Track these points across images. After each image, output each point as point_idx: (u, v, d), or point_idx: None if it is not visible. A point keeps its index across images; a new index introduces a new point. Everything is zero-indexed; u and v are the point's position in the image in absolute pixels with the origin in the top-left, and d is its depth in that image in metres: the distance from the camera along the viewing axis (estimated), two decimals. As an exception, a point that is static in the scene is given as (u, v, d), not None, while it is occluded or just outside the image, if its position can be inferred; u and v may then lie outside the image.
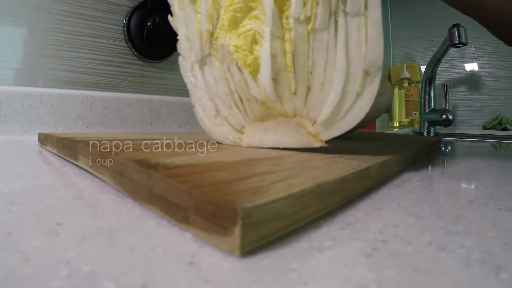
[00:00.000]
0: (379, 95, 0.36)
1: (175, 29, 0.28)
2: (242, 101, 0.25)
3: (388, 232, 0.13)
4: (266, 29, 0.22)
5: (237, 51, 0.24)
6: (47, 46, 0.48)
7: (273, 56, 0.22)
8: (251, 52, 0.23)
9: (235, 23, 0.24)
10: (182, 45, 0.27)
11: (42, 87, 0.47)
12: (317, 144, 0.22)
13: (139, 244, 0.11)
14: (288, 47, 0.22)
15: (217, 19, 0.25)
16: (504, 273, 0.10)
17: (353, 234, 0.13)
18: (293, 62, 0.22)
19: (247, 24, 0.23)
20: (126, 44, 0.57)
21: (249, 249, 0.11)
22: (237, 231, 0.10)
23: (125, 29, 0.56)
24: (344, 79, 0.21)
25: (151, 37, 0.56)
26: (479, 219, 0.15)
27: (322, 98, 0.22)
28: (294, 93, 0.22)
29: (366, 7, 0.20)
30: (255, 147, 0.25)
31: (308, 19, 0.21)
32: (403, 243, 0.12)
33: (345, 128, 0.22)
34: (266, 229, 0.11)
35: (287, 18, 0.22)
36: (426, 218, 0.15)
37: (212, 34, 0.25)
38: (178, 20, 0.27)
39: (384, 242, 0.12)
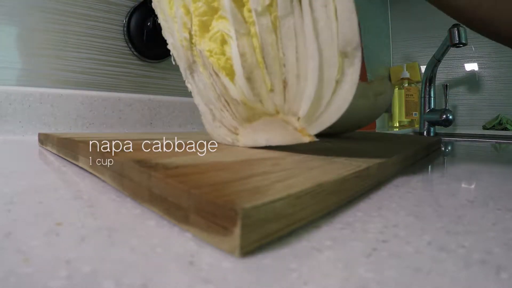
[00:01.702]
0: (378, 94, 0.36)
1: (166, 40, 0.28)
2: (228, 104, 0.24)
3: (388, 232, 0.13)
4: (231, 28, 0.21)
5: (211, 55, 0.23)
6: (47, 46, 0.48)
7: (242, 55, 0.21)
8: (223, 54, 0.22)
9: (205, 27, 0.23)
10: (173, 55, 0.28)
11: (42, 87, 0.47)
12: (306, 140, 0.21)
13: (139, 244, 0.11)
14: (255, 42, 0.21)
15: (191, 26, 0.24)
16: (504, 273, 0.10)
17: (353, 234, 0.13)
18: (263, 57, 0.21)
19: (215, 26, 0.23)
20: (126, 44, 0.57)
21: (249, 249, 0.11)
22: (237, 231, 0.10)
23: (125, 29, 0.56)
24: (318, 65, 0.19)
25: (151, 37, 0.56)
26: (479, 219, 0.15)
27: (300, 91, 0.20)
28: (271, 90, 0.21)
29: None
30: (253, 147, 0.25)
31: (269, 8, 0.20)
32: (403, 243, 0.12)
33: (331, 120, 0.19)
34: (266, 229, 0.11)
35: (249, 11, 0.20)
36: (426, 218, 0.15)
37: (191, 41, 0.25)
38: (164, 31, 0.28)
39: (384, 242, 0.12)
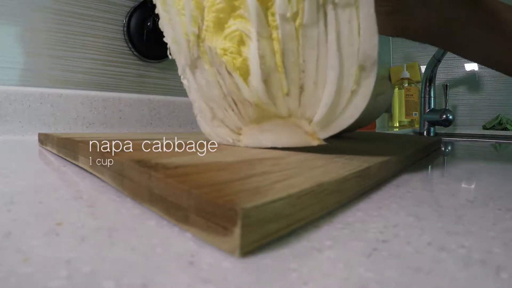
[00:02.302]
0: (378, 94, 0.36)
1: (163, 31, 0.27)
2: (236, 104, 0.24)
3: (388, 232, 0.13)
4: (252, 29, 0.21)
5: (225, 54, 0.23)
6: (47, 46, 0.48)
7: (262, 57, 0.21)
8: (239, 54, 0.22)
9: (220, 24, 0.23)
10: (171, 48, 0.27)
11: (42, 87, 0.47)
12: (315, 143, 0.22)
13: (139, 244, 0.11)
14: (276, 46, 0.21)
15: (202, 20, 0.23)
16: (504, 273, 0.10)
17: (353, 234, 0.13)
18: (283, 62, 0.21)
19: (233, 25, 0.22)
20: (126, 44, 0.57)
21: (249, 249, 0.11)
22: (237, 231, 0.10)
23: (125, 29, 0.56)
24: (337, 76, 0.20)
25: (151, 37, 0.56)
26: (479, 219, 0.15)
27: (316, 97, 0.21)
28: (287, 94, 0.22)
29: None
30: (255, 147, 0.24)
31: (295, 15, 0.20)
32: (403, 243, 0.12)
33: (342, 126, 0.21)
34: (266, 229, 0.11)
35: (272, 15, 0.20)
36: (426, 218, 0.15)
37: (199, 37, 0.24)
38: (164, 23, 0.26)
39: (384, 242, 0.12)
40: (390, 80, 1.38)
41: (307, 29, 0.20)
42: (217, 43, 0.23)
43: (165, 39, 0.27)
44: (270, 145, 0.24)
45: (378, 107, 0.36)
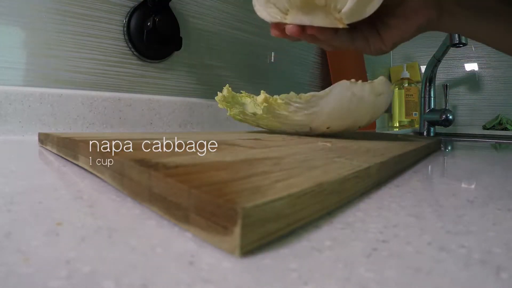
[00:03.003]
0: (378, 94, 0.36)
1: None
2: None
3: (388, 232, 0.13)
4: None
5: None
6: (47, 46, 0.48)
7: None
8: None
9: None
10: None
11: (42, 87, 0.47)
12: (340, 26, 0.32)
13: (139, 244, 0.11)
14: None
15: None
16: (504, 273, 0.10)
17: (353, 234, 0.13)
18: None
19: None
20: (126, 44, 0.57)
21: (249, 249, 0.11)
22: (237, 230, 0.10)
23: (125, 29, 0.56)
24: None
25: (151, 37, 0.56)
26: (479, 219, 0.15)
27: None
28: None
29: None
30: (299, 23, 0.33)
31: None
32: (403, 243, 0.12)
33: (362, 17, 0.31)
34: (266, 229, 0.11)
35: None
36: (426, 218, 0.15)
37: None
38: None
39: (384, 242, 0.12)
40: (390, 80, 1.38)
41: None
42: None
43: None
44: (308, 23, 0.33)
45: (378, 107, 0.37)
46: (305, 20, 0.33)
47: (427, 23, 0.34)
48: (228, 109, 0.43)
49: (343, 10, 0.31)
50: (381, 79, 0.36)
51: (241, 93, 0.47)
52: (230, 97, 0.44)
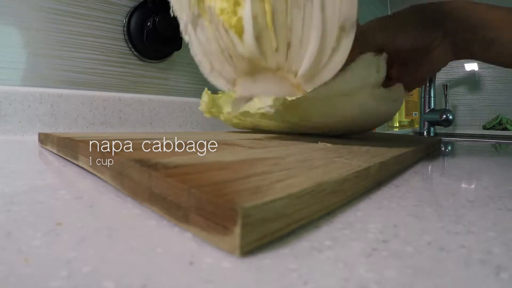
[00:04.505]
0: (394, 100, 0.36)
1: None
2: (231, 58, 0.27)
3: (388, 232, 0.13)
4: None
5: (222, 14, 0.25)
6: (47, 46, 0.48)
7: (255, 17, 0.24)
8: (234, 14, 0.25)
9: None
10: (174, 6, 0.29)
11: (42, 87, 0.47)
12: (299, 94, 0.25)
13: (139, 244, 0.11)
14: (267, 7, 0.23)
15: None
16: (504, 273, 0.10)
17: (353, 234, 0.13)
18: (273, 21, 0.24)
19: None
20: (126, 44, 0.57)
21: (249, 249, 0.11)
22: (237, 230, 0.10)
23: (125, 29, 0.56)
24: (320, 35, 0.22)
25: (151, 37, 0.56)
26: (479, 219, 0.15)
27: (301, 53, 0.24)
28: (276, 50, 0.25)
29: None
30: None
31: None
32: (403, 243, 0.12)
33: (323, 80, 0.24)
34: (266, 228, 0.11)
35: None
36: (426, 218, 0.15)
37: None
38: None
39: (384, 242, 0.12)
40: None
41: None
42: (216, 3, 0.26)
43: None
44: (261, 94, 0.27)
45: (391, 111, 0.37)
46: (257, 90, 0.27)
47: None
48: (218, 116, 0.43)
49: (299, 73, 0.24)
50: (398, 86, 0.36)
51: (218, 93, 0.45)
52: (211, 102, 0.43)
